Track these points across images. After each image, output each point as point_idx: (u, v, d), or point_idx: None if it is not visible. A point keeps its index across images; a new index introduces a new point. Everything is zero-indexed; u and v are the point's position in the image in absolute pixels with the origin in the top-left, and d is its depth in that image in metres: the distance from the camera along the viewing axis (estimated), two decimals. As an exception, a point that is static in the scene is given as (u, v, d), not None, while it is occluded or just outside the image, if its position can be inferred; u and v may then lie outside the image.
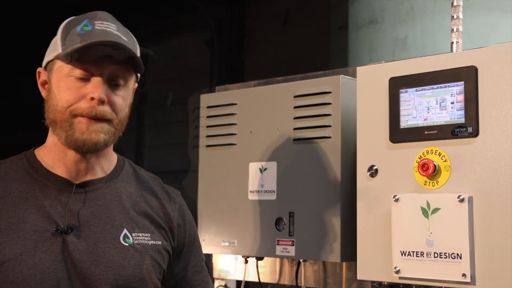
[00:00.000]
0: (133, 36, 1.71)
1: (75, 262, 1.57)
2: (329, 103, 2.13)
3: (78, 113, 1.58)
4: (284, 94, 2.26)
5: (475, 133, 1.75)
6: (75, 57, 1.58)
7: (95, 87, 1.59)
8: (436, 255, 1.78)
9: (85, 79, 1.59)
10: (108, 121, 1.61)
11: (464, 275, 1.73)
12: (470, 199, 1.74)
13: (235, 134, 2.38)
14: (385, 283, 1.96)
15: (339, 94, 2.11)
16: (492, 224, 1.71)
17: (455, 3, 1.96)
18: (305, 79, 2.39)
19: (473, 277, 1.73)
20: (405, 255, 1.84)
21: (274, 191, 2.24)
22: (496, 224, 1.71)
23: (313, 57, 7.01)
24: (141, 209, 1.72)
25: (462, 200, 1.74)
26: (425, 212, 1.81)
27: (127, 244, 1.65)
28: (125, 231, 1.66)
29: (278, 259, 2.44)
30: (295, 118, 2.21)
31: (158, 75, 8.97)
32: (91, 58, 1.59)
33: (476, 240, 1.73)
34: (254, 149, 2.32)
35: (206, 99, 2.49)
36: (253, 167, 2.31)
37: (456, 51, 1.93)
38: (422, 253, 1.81)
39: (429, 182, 1.82)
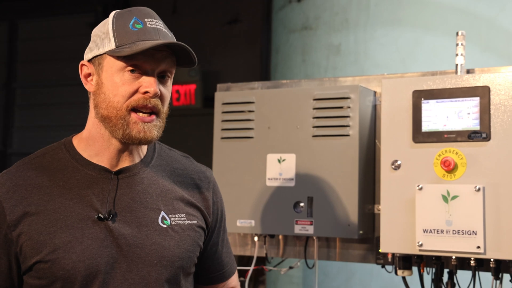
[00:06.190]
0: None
1: (122, 246, 1.69)
2: (349, 107, 2.56)
3: (134, 104, 1.67)
4: (302, 96, 2.65)
5: (488, 138, 2.27)
6: (138, 57, 1.66)
7: (150, 82, 1.67)
8: (454, 232, 2.28)
9: (136, 72, 1.68)
10: (157, 114, 1.71)
11: (478, 247, 2.24)
12: (483, 189, 2.26)
13: (253, 128, 2.73)
14: (398, 255, 2.43)
15: (358, 99, 2.55)
16: (500, 208, 2.24)
17: (459, 33, 2.47)
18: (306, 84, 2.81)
19: (484, 249, 2.25)
20: (427, 232, 2.32)
21: (293, 179, 2.63)
22: (503, 209, 2.23)
23: (202, 50, 7.34)
24: (176, 190, 1.83)
25: (478, 190, 2.25)
26: (445, 199, 2.30)
27: (165, 226, 1.76)
28: (162, 213, 1.77)
29: (281, 237, 2.83)
30: (314, 117, 2.62)
31: (32, 55, 8.86)
32: (154, 59, 1.67)
33: (487, 220, 2.25)
34: (272, 143, 2.68)
35: (221, 96, 2.82)
36: (271, 158, 2.68)
37: (460, 72, 2.44)
38: (442, 231, 2.29)
39: (447, 175, 2.32)
